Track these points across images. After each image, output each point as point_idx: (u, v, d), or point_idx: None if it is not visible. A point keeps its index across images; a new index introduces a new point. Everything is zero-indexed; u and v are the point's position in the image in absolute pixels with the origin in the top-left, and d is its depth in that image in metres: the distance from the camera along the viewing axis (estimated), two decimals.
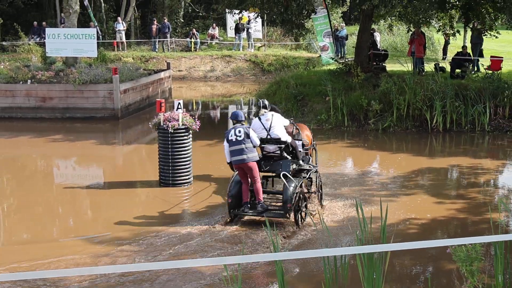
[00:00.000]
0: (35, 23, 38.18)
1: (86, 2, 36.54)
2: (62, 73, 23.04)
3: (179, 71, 34.16)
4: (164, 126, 13.51)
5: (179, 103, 13.75)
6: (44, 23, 38.07)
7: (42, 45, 30.27)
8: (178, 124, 13.52)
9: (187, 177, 13.82)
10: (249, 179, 11.40)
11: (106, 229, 11.19)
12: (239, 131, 11.24)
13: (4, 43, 38.30)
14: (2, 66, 25.03)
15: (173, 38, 37.87)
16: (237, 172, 11.50)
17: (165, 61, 31.49)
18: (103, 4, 42.33)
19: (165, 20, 37.59)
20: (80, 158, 16.93)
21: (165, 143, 13.58)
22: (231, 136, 11.24)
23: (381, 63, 23.65)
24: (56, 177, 15.22)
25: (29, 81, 22.68)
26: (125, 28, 37.82)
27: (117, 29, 37.25)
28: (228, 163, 11.48)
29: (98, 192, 13.78)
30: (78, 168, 16.35)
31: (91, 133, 20.26)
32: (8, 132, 20.50)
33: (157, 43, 37.01)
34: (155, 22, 37.63)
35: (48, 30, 24.78)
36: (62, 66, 23.87)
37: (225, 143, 11.35)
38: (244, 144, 11.18)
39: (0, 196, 13.54)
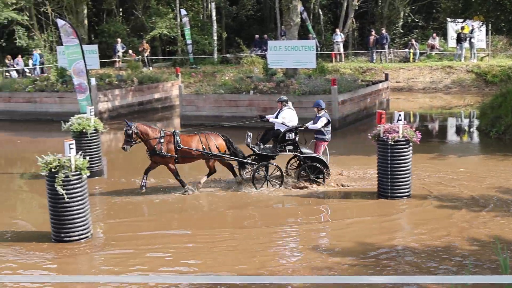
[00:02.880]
0: (257, 36, 39.75)
1: (305, 15, 37.35)
2: (282, 84, 23.67)
3: (396, 82, 33.61)
4: (384, 137, 13.28)
5: (399, 115, 13.44)
6: (265, 36, 39.50)
7: (263, 57, 31.40)
8: (398, 136, 13.21)
9: (406, 190, 13.45)
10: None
11: (328, 240, 11.17)
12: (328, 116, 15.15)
13: (228, 55, 40.34)
14: (227, 78, 26.32)
15: (391, 49, 37.40)
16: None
17: (383, 72, 31.14)
18: (321, 17, 42.99)
19: (383, 31, 37.22)
20: None
21: (385, 154, 13.32)
22: (328, 118, 15.07)
23: None
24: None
25: (251, 91, 23.58)
26: (343, 39, 38.06)
27: (335, 41, 37.62)
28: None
29: (317, 201, 13.83)
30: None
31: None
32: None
33: (374, 54, 36.79)
34: (373, 32, 37.43)
35: (270, 43, 25.60)
36: (283, 77, 24.53)
37: (325, 121, 14.98)
38: None
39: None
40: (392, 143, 13.17)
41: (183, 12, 39.35)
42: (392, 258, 10.10)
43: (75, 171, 11.17)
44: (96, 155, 16.23)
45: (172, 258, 10.49)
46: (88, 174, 11.63)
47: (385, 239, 11.01)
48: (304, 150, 15.01)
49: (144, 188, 14.45)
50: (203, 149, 14.57)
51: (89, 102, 19.51)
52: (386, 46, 36.62)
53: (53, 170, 11.08)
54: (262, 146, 15.04)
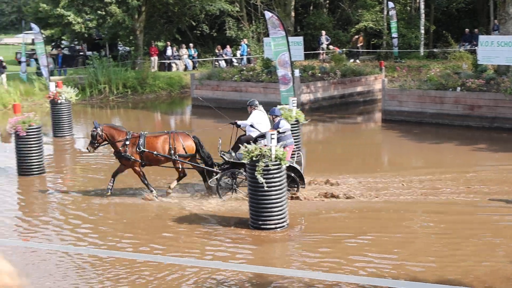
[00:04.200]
0: (467, 30, 38.03)
1: None
2: (492, 82, 22.36)
3: None
4: None
5: None
6: (476, 30, 37.69)
7: (473, 52, 29.92)
8: None
9: None
10: None
11: None
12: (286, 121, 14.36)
13: (435, 50, 39.05)
14: (432, 73, 25.43)
15: None
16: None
17: None
18: None
19: None
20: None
21: None
22: (287, 123, 14.22)
23: None
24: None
25: (458, 88, 22.55)
26: None
27: None
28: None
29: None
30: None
31: None
32: (434, 137, 20.68)
33: None
34: None
35: (481, 37, 24.27)
36: (493, 74, 23.18)
37: (286, 127, 13.87)
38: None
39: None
40: None
41: (391, 4, 38.67)
42: None
43: (275, 161, 11.34)
44: (296, 145, 16.35)
45: (380, 249, 10.31)
46: (287, 164, 11.77)
47: None
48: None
49: (110, 191, 14.07)
50: (169, 149, 13.85)
51: (292, 93, 19.81)
52: None
53: (254, 159, 11.34)
54: (233, 154, 14.00)
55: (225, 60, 39.89)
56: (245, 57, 39.54)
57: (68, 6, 36.49)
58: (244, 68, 31.02)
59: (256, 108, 14.46)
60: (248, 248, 10.90)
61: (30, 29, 34.48)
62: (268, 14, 20.51)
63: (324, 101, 27.93)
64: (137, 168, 14.06)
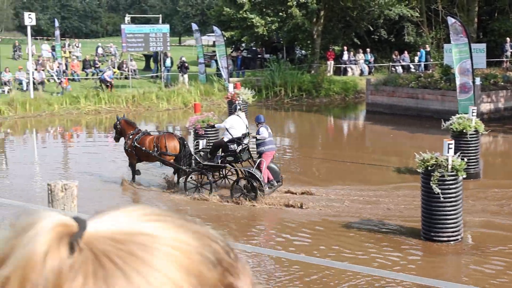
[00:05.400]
0: None
1: None
2: None
3: None
4: None
5: None
6: None
7: None
8: None
9: None
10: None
11: None
12: (268, 128, 14.18)
13: None
14: None
15: None
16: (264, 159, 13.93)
17: None
18: None
19: None
20: None
21: None
22: (267, 131, 14.03)
23: None
24: None
25: None
26: None
27: None
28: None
29: None
30: None
31: None
32: None
33: None
34: None
35: None
36: None
37: (263, 135, 13.93)
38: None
39: None
40: None
41: None
42: None
43: (452, 172, 10.94)
44: (474, 157, 15.70)
45: None
46: (465, 175, 11.32)
47: None
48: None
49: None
50: (154, 147, 14.98)
51: (471, 102, 19.05)
52: None
53: (429, 168, 11.01)
54: (208, 156, 14.62)
55: (402, 66, 39.15)
56: (422, 63, 38.59)
57: (251, 10, 37.63)
58: (422, 75, 30.26)
59: (234, 113, 15.08)
60: (419, 259, 10.63)
61: (212, 31, 36.00)
62: (451, 20, 19.86)
63: (506, 111, 26.53)
64: (132, 160, 15.55)
